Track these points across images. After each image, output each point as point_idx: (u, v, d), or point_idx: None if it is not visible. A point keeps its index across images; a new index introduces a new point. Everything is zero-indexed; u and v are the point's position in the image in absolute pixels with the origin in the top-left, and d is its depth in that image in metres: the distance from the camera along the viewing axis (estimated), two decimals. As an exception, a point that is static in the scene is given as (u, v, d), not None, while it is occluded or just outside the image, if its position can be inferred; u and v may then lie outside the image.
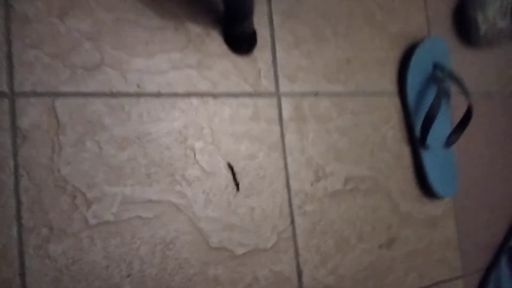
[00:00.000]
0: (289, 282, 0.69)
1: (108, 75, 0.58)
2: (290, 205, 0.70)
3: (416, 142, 0.84)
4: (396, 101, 0.84)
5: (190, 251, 0.62)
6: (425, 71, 0.86)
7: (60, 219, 0.54)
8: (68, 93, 0.56)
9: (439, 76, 0.86)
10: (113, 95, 0.58)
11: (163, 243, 0.60)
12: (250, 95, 0.68)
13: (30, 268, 0.52)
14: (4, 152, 0.52)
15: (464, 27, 0.95)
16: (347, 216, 0.76)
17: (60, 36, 0.56)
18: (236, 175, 0.66)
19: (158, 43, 0.62)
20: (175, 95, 0.63)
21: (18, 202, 0.52)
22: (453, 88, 0.88)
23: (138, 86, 0.60)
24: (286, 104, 0.71)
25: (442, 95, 0.84)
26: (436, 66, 0.86)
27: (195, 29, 0.65)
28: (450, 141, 0.86)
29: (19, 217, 0.52)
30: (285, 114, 0.71)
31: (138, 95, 0.60)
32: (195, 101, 0.64)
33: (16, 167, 0.53)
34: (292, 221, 0.70)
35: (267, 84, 0.70)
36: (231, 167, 0.66)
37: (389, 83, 0.83)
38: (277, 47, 0.72)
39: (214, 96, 0.66)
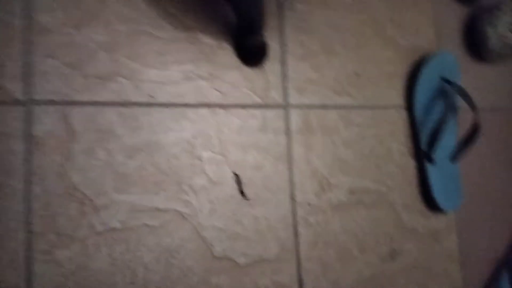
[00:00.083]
0: (290, 293, 0.72)
1: (122, 85, 0.61)
2: (294, 216, 0.73)
3: (422, 156, 0.86)
4: (403, 115, 0.86)
5: (194, 259, 0.65)
6: (434, 85, 0.88)
7: (68, 225, 0.57)
8: (82, 102, 0.59)
9: (447, 91, 0.88)
10: (125, 104, 0.61)
11: (168, 251, 0.63)
12: (259, 106, 0.71)
13: (37, 273, 0.55)
14: (18, 159, 0.55)
15: (474, 42, 0.97)
16: (350, 228, 0.78)
17: (77, 46, 0.59)
18: (241, 184, 0.69)
19: (171, 54, 0.65)
20: (186, 105, 0.65)
21: (29, 208, 0.55)
22: (461, 103, 0.90)
23: (151, 96, 0.63)
24: (294, 116, 0.74)
25: (450, 110, 0.86)
26: (444, 81, 0.88)
27: (207, 41, 0.68)
28: (456, 156, 0.88)
29: (28, 223, 0.55)
30: (292, 126, 0.74)
31: (150, 105, 0.63)
32: (204, 111, 0.67)
33: (28, 173, 0.55)
34: (296, 232, 0.73)
35: (276, 96, 0.73)
36: (236, 176, 0.68)
37: (397, 96, 0.86)
38: (287, 60, 0.74)
39: (224, 106, 0.68)
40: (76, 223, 0.57)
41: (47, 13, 0.58)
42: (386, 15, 0.86)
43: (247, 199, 0.69)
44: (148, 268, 0.61)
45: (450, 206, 0.89)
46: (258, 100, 0.71)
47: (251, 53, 0.71)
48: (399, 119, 0.86)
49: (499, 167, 1.00)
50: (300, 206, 0.74)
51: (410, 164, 0.86)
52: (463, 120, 0.90)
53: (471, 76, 0.96)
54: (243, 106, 0.70)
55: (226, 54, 0.69)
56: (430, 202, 0.87)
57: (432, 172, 0.86)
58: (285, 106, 0.73)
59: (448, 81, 0.88)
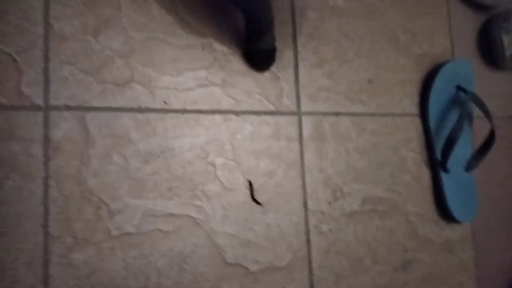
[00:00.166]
0: (302, 301, 0.74)
1: (137, 91, 0.65)
2: (307, 223, 0.75)
3: (436, 165, 0.88)
4: (417, 123, 0.89)
5: (206, 265, 0.67)
6: (448, 93, 0.90)
7: (84, 229, 0.60)
8: (98, 108, 0.62)
9: (462, 98, 0.90)
10: (140, 110, 0.65)
11: (181, 256, 0.66)
12: (271, 113, 0.74)
13: (53, 275, 0.58)
14: (36, 163, 0.58)
15: (489, 49, 1.00)
16: (363, 237, 0.80)
17: (94, 53, 0.63)
18: (253, 192, 0.71)
19: (185, 62, 0.68)
20: (199, 111, 0.69)
21: (46, 211, 0.58)
22: (475, 111, 0.92)
23: (165, 102, 0.66)
24: (307, 123, 0.77)
25: (465, 118, 0.88)
26: (459, 89, 0.91)
27: (221, 48, 0.71)
28: (471, 165, 0.89)
29: (46, 226, 0.58)
30: (305, 133, 0.76)
31: (165, 111, 0.66)
32: (218, 118, 0.70)
33: (46, 177, 0.59)
34: (308, 240, 0.75)
35: (288, 103, 0.76)
36: (249, 183, 0.71)
37: (410, 104, 0.88)
38: (300, 67, 0.77)
39: (237, 113, 0.71)
40: (92, 227, 0.60)
41: (64, 21, 0.62)
42: (399, 22, 0.89)
43: (261, 205, 0.72)
44: (161, 273, 0.64)
45: (466, 217, 0.90)
46: (271, 107, 0.74)
47: (260, 57, 0.73)
48: (413, 127, 0.88)
49: (515, 177, 1.02)
50: (313, 214, 0.76)
51: (425, 173, 0.88)
52: (478, 128, 0.92)
53: (486, 84, 0.98)
54: (256, 113, 0.73)
55: (239, 61, 0.72)
56: (445, 212, 0.89)
57: (447, 181, 0.88)
58: (298, 113, 0.76)
59: (463, 89, 0.90)
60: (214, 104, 0.70)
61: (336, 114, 0.80)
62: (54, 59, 0.60)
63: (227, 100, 0.71)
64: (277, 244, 0.73)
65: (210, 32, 0.71)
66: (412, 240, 0.85)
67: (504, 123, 1.00)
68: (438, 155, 0.88)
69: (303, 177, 0.76)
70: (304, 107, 0.77)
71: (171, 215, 0.65)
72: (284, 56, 0.76)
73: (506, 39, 0.96)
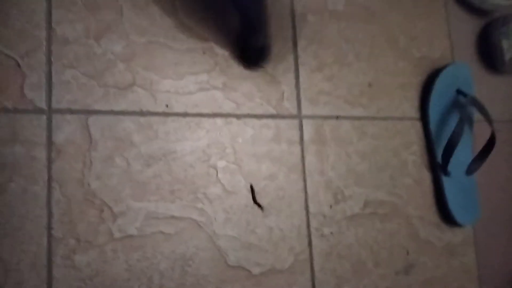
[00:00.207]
0: (304, 304, 0.75)
1: (139, 95, 0.66)
2: (308, 226, 0.76)
3: (437, 168, 0.89)
4: (417, 126, 0.90)
5: (209, 268, 0.68)
6: (448, 97, 0.91)
7: (87, 231, 0.61)
8: (101, 111, 0.63)
9: (462, 102, 0.91)
10: (142, 114, 0.66)
11: (183, 259, 0.66)
12: (272, 116, 0.75)
13: (57, 277, 0.59)
14: (39, 166, 0.59)
15: (489, 53, 1.01)
16: (364, 240, 0.81)
17: (96, 57, 0.64)
18: (255, 195, 0.72)
19: (186, 65, 0.69)
20: (201, 115, 0.70)
21: (50, 214, 0.59)
22: (476, 115, 0.93)
23: (167, 106, 0.67)
24: (308, 127, 0.78)
25: (465, 121, 0.89)
26: (459, 92, 0.92)
27: (222, 52, 0.72)
28: (471, 168, 0.90)
29: (49, 228, 0.59)
30: (306, 136, 0.77)
31: (166, 114, 0.67)
32: (219, 121, 0.71)
33: (49, 180, 0.60)
34: (310, 243, 0.76)
35: (289, 106, 0.77)
36: (252, 188, 0.72)
37: (411, 108, 0.89)
38: (301, 71, 0.79)
39: (238, 117, 0.72)
40: (95, 229, 0.61)
41: (67, 25, 0.63)
42: (399, 26, 0.90)
43: (261, 208, 0.72)
44: (164, 275, 0.65)
45: (467, 220, 0.91)
46: (271, 110, 0.75)
47: (251, 53, 0.74)
48: (414, 130, 0.89)
49: (516, 180, 1.02)
50: (314, 217, 0.77)
51: (426, 177, 0.89)
52: (478, 132, 0.93)
53: (486, 87, 0.99)
54: (257, 116, 0.74)
55: (239, 65, 0.73)
56: (446, 215, 0.90)
57: (448, 185, 0.89)
58: (299, 117, 0.77)
59: (463, 93, 0.91)
60: (215, 108, 0.71)
61: (337, 117, 0.81)
62: (57, 63, 0.62)
63: (228, 104, 0.72)
64: (279, 247, 0.73)
65: (211, 36, 0.72)
66: (413, 243, 0.86)
67: (504, 127, 1.01)
68: (439, 158, 0.89)
69: (304, 180, 0.77)
70: (305, 111, 0.78)
71: (173, 217, 0.66)
72: (285, 60, 0.77)
73: (505, 43, 0.97)
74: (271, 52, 0.75)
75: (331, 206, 0.79)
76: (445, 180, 0.89)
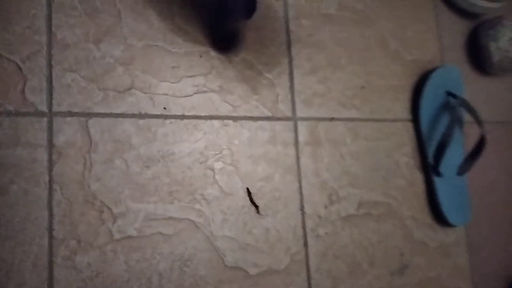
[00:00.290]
0: (301, 304, 0.76)
1: (137, 98, 0.68)
2: (304, 227, 0.78)
3: (429, 169, 0.91)
4: (409, 128, 0.92)
5: (207, 268, 0.69)
6: (439, 99, 0.94)
7: (88, 232, 0.63)
8: (100, 114, 0.65)
9: (452, 104, 0.94)
10: (141, 116, 0.68)
11: (181, 259, 0.68)
12: (268, 119, 0.77)
13: (58, 278, 0.60)
14: (41, 168, 0.61)
15: (477, 56, 1.03)
16: (359, 241, 0.83)
17: (95, 61, 0.66)
18: (252, 197, 0.74)
19: (184, 69, 0.71)
20: (198, 117, 0.72)
21: (51, 215, 0.61)
22: (467, 117, 0.96)
23: (165, 108, 0.69)
24: (302, 128, 0.80)
25: (455, 123, 0.92)
26: (449, 94, 0.94)
27: (218, 56, 0.74)
28: (462, 169, 0.92)
29: (50, 229, 0.61)
30: (301, 138, 0.80)
31: (164, 117, 0.69)
32: (216, 123, 0.73)
33: (50, 181, 0.61)
34: (305, 244, 0.78)
35: (284, 108, 0.79)
36: (249, 191, 0.74)
37: (403, 110, 0.92)
38: (295, 74, 0.81)
39: (234, 119, 0.74)
40: (95, 230, 0.63)
41: (67, 30, 0.65)
42: (390, 30, 0.93)
43: (258, 209, 0.74)
44: (163, 276, 0.66)
45: (459, 220, 0.93)
46: (267, 112, 0.77)
47: (225, 39, 0.75)
48: (406, 132, 0.91)
49: (508, 180, 1.05)
50: (310, 217, 0.79)
51: (418, 177, 0.91)
52: (469, 133, 0.96)
53: (476, 89, 1.02)
54: (253, 118, 0.76)
55: (236, 68, 0.75)
56: (438, 216, 0.92)
57: (440, 185, 0.91)
58: (294, 119, 0.79)
59: (453, 95, 0.94)
60: (212, 110, 0.73)
61: (331, 119, 0.83)
62: (57, 67, 0.63)
63: (224, 106, 0.74)
64: (275, 247, 0.75)
65: (208, 40, 0.74)
66: (407, 244, 0.88)
67: (494, 128, 1.04)
68: (431, 159, 0.91)
69: (299, 182, 0.79)
70: (300, 113, 0.80)
71: (172, 218, 0.68)
72: (279, 63, 0.79)
73: (493, 46, 1.00)
74: (242, 38, 0.77)
75: (326, 207, 0.80)
76: (437, 181, 0.91)
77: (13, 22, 0.62)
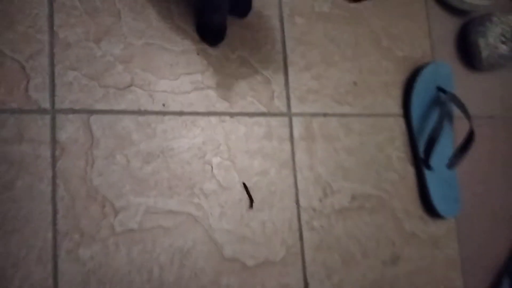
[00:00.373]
0: (296, 295, 0.78)
1: (137, 95, 0.69)
2: (299, 220, 0.80)
3: (420, 162, 0.93)
4: (401, 123, 0.94)
5: (205, 260, 0.71)
6: (429, 94, 0.96)
7: (90, 226, 0.64)
8: (101, 111, 0.67)
9: (442, 99, 0.96)
10: (141, 113, 0.69)
11: (181, 252, 0.70)
12: (263, 114, 0.79)
13: (62, 270, 0.62)
14: (44, 164, 0.62)
15: (467, 52, 1.06)
16: (352, 232, 0.85)
17: (96, 59, 0.67)
18: (251, 195, 0.76)
19: (182, 66, 0.73)
20: (196, 114, 0.73)
21: (55, 209, 0.62)
22: (457, 112, 0.98)
23: (163, 105, 0.71)
24: (297, 124, 0.82)
25: (445, 117, 0.94)
26: (439, 89, 0.96)
27: (215, 53, 0.76)
28: (452, 162, 0.95)
29: (54, 223, 0.62)
30: (295, 133, 0.82)
31: (163, 113, 0.71)
32: (213, 119, 0.75)
33: (54, 177, 0.63)
34: (301, 236, 0.80)
35: (279, 104, 0.81)
36: (246, 187, 0.76)
37: (394, 105, 0.94)
38: (289, 71, 0.83)
39: (231, 115, 0.76)
40: (97, 224, 0.64)
41: (68, 29, 0.66)
42: (382, 27, 0.95)
43: (251, 205, 0.76)
44: (163, 268, 0.68)
45: (449, 212, 0.95)
46: (263, 108, 0.79)
47: (209, 32, 0.76)
48: (397, 127, 0.93)
49: (496, 173, 1.07)
50: (305, 211, 0.81)
51: (410, 171, 0.94)
52: (459, 127, 0.98)
53: (465, 85, 1.04)
54: (249, 114, 0.78)
55: (232, 65, 0.77)
56: (429, 208, 0.94)
57: (430, 178, 0.93)
58: (288, 114, 0.81)
59: (443, 90, 0.96)
60: (209, 106, 0.75)
61: (325, 115, 0.85)
62: (59, 65, 0.65)
63: (221, 103, 0.76)
64: (272, 240, 0.77)
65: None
66: (399, 236, 0.90)
67: (483, 122, 1.06)
68: (422, 153, 0.93)
69: (294, 176, 0.81)
70: (294, 109, 0.82)
71: (171, 212, 0.69)
72: (274, 60, 0.81)
73: (482, 42, 1.02)
74: (226, 32, 0.78)
75: (320, 200, 0.82)
76: (428, 174, 0.93)
77: (16, 22, 0.63)
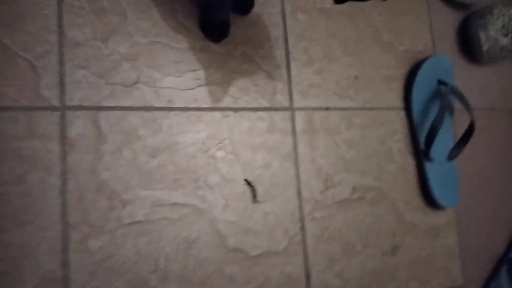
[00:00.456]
0: (298, 284, 0.80)
1: (143, 92, 0.71)
2: (301, 211, 0.82)
3: (421, 154, 0.95)
4: (402, 116, 0.96)
5: (210, 251, 0.73)
6: (430, 87, 0.97)
7: (99, 218, 0.67)
8: (109, 107, 0.69)
9: (442, 92, 0.97)
10: (147, 109, 0.71)
11: (186, 242, 0.72)
12: (266, 109, 0.81)
13: (72, 260, 0.64)
14: (54, 158, 0.65)
15: (468, 45, 1.07)
16: (353, 223, 0.87)
17: (104, 58, 0.69)
18: (255, 190, 0.78)
19: (186, 63, 0.75)
20: (201, 109, 0.75)
21: (64, 202, 0.65)
22: (457, 104, 1.00)
23: (169, 101, 0.73)
24: (299, 118, 0.84)
25: (446, 110, 0.95)
26: (440, 82, 0.98)
27: (218, 50, 0.78)
28: (452, 154, 0.96)
29: (64, 215, 0.65)
30: (298, 127, 0.83)
31: (169, 109, 0.73)
32: (217, 114, 0.77)
33: (63, 171, 0.65)
34: (302, 227, 0.82)
35: (282, 99, 0.83)
36: (248, 183, 0.78)
37: (395, 98, 0.95)
38: (292, 66, 0.84)
39: (235, 110, 0.78)
40: (106, 216, 0.67)
41: (76, 29, 0.68)
42: (383, 21, 0.96)
43: (254, 196, 0.78)
44: (169, 258, 0.70)
45: (449, 203, 0.97)
46: (265, 103, 0.81)
47: (212, 29, 0.78)
48: (398, 120, 0.95)
49: (495, 165, 1.08)
50: (307, 202, 0.83)
51: (410, 163, 0.95)
52: (459, 120, 0.99)
53: (466, 77, 1.06)
54: (252, 109, 0.79)
55: (235, 61, 0.79)
56: (429, 199, 0.96)
57: (431, 170, 0.95)
58: (291, 109, 0.83)
59: (444, 83, 0.97)
60: (213, 102, 0.77)
61: (326, 109, 0.87)
62: (68, 64, 0.67)
63: (225, 98, 0.78)
64: (274, 230, 0.79)
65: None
66: (399, 226, 0.92)
67: (483, 114, 1.07)
68: (422, 145, 0.95)
69: (296, 168, 0.83)
70: (296, 103, 0.84)
71: (177, 204, 0.72)
72: (277, 56, 0.83)
73: (482, 35, 1.03)
74: (229, 29, 0.79)
75: (322, 192, 0.84)
76: (428, 166, 0.95)
77: (27, 23, 0.65)
